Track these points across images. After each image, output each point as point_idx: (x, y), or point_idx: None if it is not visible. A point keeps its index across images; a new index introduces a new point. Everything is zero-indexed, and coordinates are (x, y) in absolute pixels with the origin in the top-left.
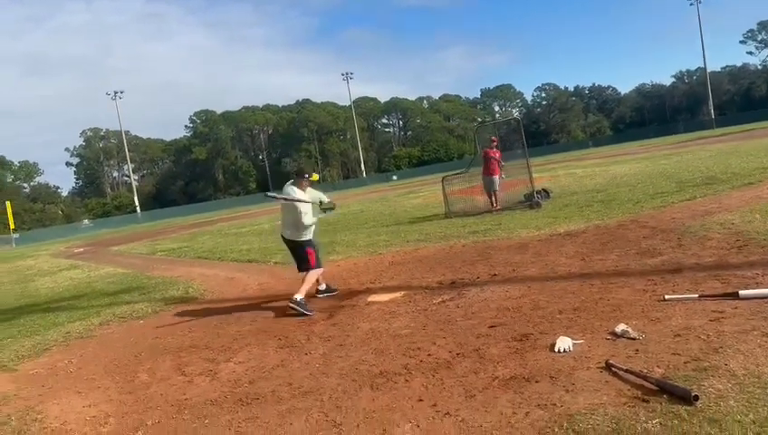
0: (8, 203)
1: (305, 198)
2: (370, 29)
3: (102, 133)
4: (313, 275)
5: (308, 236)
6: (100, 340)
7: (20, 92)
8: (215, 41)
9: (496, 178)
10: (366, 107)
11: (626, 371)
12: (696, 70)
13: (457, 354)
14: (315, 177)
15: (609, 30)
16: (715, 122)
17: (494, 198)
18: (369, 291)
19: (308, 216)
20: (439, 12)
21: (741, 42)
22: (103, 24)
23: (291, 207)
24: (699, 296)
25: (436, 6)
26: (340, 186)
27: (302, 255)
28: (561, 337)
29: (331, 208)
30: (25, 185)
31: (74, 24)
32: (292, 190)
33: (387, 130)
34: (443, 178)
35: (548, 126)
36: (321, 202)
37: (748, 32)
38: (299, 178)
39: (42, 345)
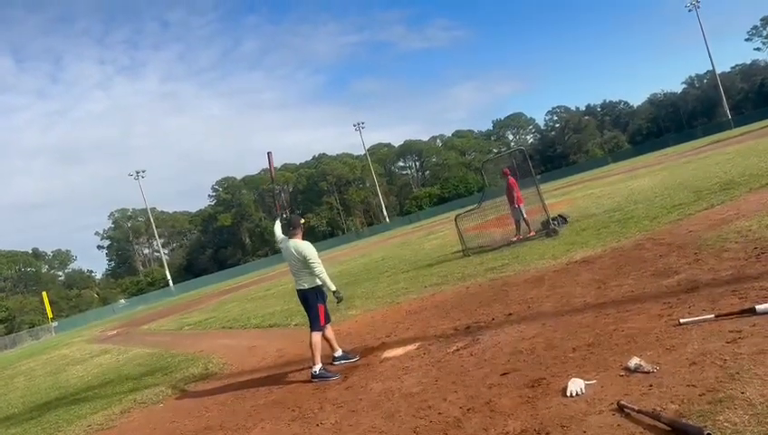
0: (44, 294)
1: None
2: (377, 77)
3: (129, 213)
4: (316, 337)
5: (327, 283)
6: (120, 430)
7: (50, 183)
8: (230, 110)
9: (522, 206)
10: (381, 153)
11: (638, 411)
12: (706, 73)
13: (468, 410)
14: (303, 221)
15: (612, 46)
16: (732, 123)
17: (528, 225)
18: (385, 346)
19: (317, 262)
20: (443, 51)
21: (746, 39)
22: (123, 108)
23: (301, 260)
24: (716, 316)
25: (439, 47)
26: (365, 234)
27: (315, 309)
28: (572, 379)
29: None
30: (60, 273)
31: (96, 111)
32: (304, 242)
33: (404, 172)
34: (455, 216)
35: (564, 148)
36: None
37: (752, 28)
38: (296, 229)
39: None
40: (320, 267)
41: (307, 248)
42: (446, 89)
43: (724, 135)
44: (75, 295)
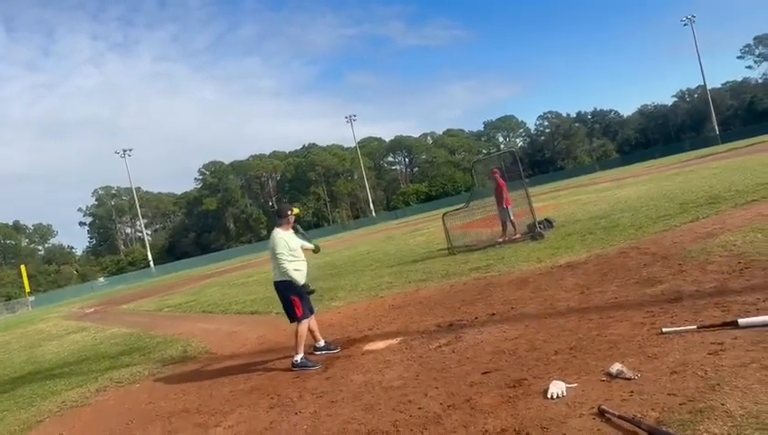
0: (22, 267)
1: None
2: (373, 71)
3: (114, 191)
4: (301, 327)
5: (291, 277)
6: (94, 408)
7: (34, 156)
8: (222, 94)
9: (510, 207)
10: (371, 147)
11: (618, 417)
12: (697, 88)
13: (448, 406)
14: (296, 211)
15: (606, 55)
16: (720, 138)
17: (514, 227)
18: (367, 339)
19: (283, 256)
20: (440, 50)
21: (738, 57)
22: (114, 85)
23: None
24: (698, 327)
25: (437, 45)
26: (350, 226)
27: (287, 301)
28: (554, 381)
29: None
30: (40, 247)
31: (86, 86)
32: (277, 234)
33: (393, 168)
34: (443, 214)
35: (553, 153)
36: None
37: (745, 47)
38: (282, 219)
39: (36, 417)
40: (286, 263)
41: (276, 240)
42: (440, 87)
43: (711, 150)
44: (54, 271)
